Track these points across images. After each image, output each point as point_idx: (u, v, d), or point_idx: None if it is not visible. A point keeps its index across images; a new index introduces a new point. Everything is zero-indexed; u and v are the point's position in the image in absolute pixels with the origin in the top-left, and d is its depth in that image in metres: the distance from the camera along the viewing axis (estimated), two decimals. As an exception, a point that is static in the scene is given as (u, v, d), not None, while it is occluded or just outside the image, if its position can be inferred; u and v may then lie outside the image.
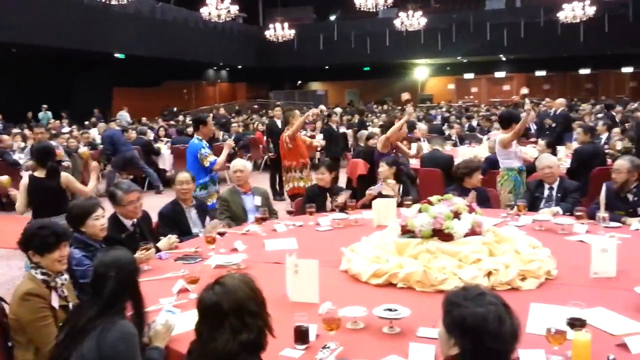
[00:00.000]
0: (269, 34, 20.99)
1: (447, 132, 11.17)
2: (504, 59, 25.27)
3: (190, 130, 12.56)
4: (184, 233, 4.11)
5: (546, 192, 4.80)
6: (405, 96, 6.50)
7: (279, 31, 20.79)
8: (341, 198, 4.73)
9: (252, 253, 3.55)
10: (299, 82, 31.04)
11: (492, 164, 6.62)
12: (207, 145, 5.47)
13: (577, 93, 26.04)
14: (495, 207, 4.84)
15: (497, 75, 27.30)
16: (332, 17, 28.45)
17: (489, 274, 2.86)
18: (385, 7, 18.58)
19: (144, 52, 19.16)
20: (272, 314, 1.99)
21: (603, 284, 2.91)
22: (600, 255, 3.00)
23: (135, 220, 3.82)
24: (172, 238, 3.73)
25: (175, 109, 21.84)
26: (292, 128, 6.36)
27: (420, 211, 3.24)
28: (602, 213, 3.93)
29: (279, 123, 9.75)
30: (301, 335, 2.23)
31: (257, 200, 4.73)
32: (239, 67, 26.74)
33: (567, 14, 18.53)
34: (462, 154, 7.89)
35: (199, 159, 5.31)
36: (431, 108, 22.55)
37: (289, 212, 4.77)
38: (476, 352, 1.61)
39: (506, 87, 27.63)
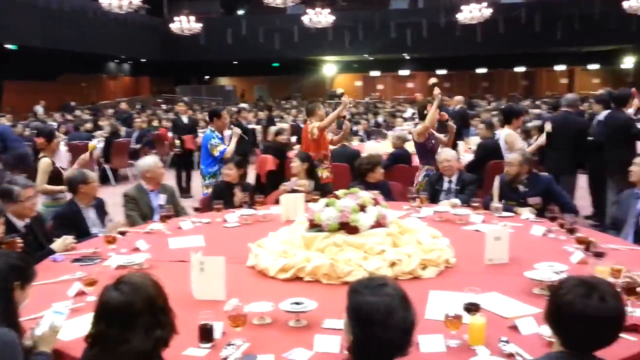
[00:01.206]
0: (174, 27, 20.40)
1: (354, 128, 11.39)
2: (407, 57, 26.18)
3: (89, 125, 11.97)
4: (82, 234, 3.90)
5: (446, 185, 5.02)
6: (433, 80, 6.57)
7: (185, 24, 20.26)
8: (237, 198, 4.72)
9: (156, 252, 3.43)
10: (207, 77, 30.44)
11: (397, 159, 6.83)
12: (219, 136, 5.89)
13: (475, 91, 27.48)
14: (399, 200, 4.99)
15: (402, 73, 28.24)
16: (240, 12, 28.13)
17: (393, 264, 2.94)
18: (293, 4, 18.65)
19: (39, 43, 17.97)
20: (177, 314, 1.93)
21: (497, 269, 3.09)
22: (494, 243, 3.18)
23: (27, 221, 3.58)
24: (68, 239, 3.53)
25: (73, 103, 20.65)
26: (327, 119, 6.16)
27: (327, 205, 3.29)
28: (496, 203, 4.18)
29: (184, 118, 9.51)
30: (206, 334, 2.18)
31: (162, 199, 4.57)
32: (143, 60, 25.78)
33: (466, 15, 19.46)
34: (369, 149, 8.09)
35: (209, 149, 5.75)
36: (340, 104, 22.93)
37: (196, 209, 4.67)
38: (365, 340, 1.62)
39: (410, 85, 28.66)
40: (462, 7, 19.55)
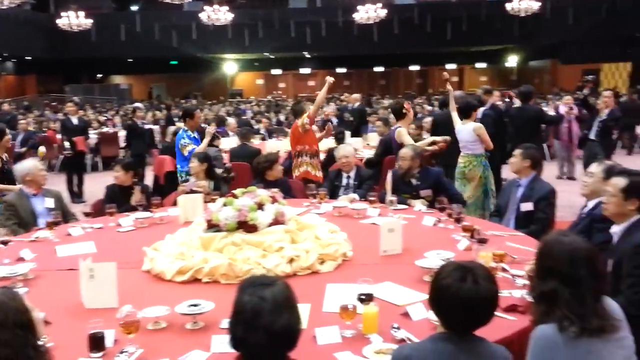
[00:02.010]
0: (61, 22, 19.24)
1: (256, 126, 11.37)
2: (308, 56, 26.47)
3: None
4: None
5: (344, 181, 5.15)
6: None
7: (74, 20, 19.17)
8: (136, 198, 4.58)
9: (42, 261, 3.24)
10: (99, 75, 28.99)
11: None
12: (192, 136, 5.93)
13: (373, 89, 28.34)
14: (299, 197, 5.05)
15: (303, 72, 28.51)
16: (134, 8, 27.04)
17: (291, 260, 2.98)
18: (190, 0, 18.25)
19: None
20: (66, 324, 1.84)
21: (391, 260, 3.22)
22: (388, 235, 3.31)
23: None
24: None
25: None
26: (315, 104, 6.27)
27: (224, 205, 3.26)
28: (390, 197, 4.34)
29: (74, 119, 9.00)
30: (96, 343, 2.09)
31: (47, 203, 4.31)
32: (28, 58, 24.08)
33: (362, 15, 19.99)
34: (270, 147, 8.11)
35: (179, 149, 5.83)
36: (241, 102, 22.77)
37: (87, 214, 4.45)
38: (235, 338, 1.63)
39: (311, 83, 28.99)
40: (359, 7, 20.06)
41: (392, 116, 7.86)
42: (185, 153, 5.76)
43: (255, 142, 8.80)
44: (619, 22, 21.08)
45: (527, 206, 4.08)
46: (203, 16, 19.98)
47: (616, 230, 2.68)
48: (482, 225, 3.77)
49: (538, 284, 1.90)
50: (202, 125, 6.70)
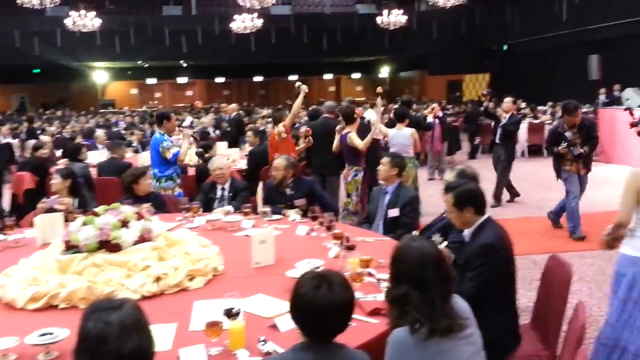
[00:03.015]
0: None
1: (128, 139, 10.87)
2: (185, 65, 25.86)
3: None
4: None
5: (219, 193, 5.07)
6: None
7: None
8: None
9: None
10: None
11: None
12: (169, 139, 5.83)
13: (253, 99, 28.37)
14: (173, 212, 4.89)
15: (180, 81, 27.79)
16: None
17: (158, 279, 2.87)
18: (53, 5, 17.09)
19: None
20: None
21: (263, 272, 3.22)
22: (260, 247, 3.30)
23: None
24: None
25: None
26: (291, 112, 6.44)
27: (84, 224, 3.07)
28: (262, 207, 4.35)
29: None
30: None
31: None
32: None
33: (239, 24, 19.95)
34: (143, 161, 7.78)
35: (160, 153, 5.66)
36: (113, 114, 21.70)
37: None
38: None
39: (189, 93, 28.39)
40: (235, 17, 20.00)
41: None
42: (169, 156, 5.66)
43: (128, 155, 8.42)
44: (477, 36, 22.96)
45: (394, 212, 4.29)
46: (68, 22, 18.84)
47: (466, 233, 2.90)
48: (353, 232, 3.89)
49: (392, 288, 1.99)
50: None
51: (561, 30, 17.63)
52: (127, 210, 3.22)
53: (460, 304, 2.07)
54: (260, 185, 4.43)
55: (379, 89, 7.40)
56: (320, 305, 1.74)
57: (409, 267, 1.96)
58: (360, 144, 5.84)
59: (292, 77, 29.18)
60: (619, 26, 15.26)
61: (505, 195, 8.26)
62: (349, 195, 6.05)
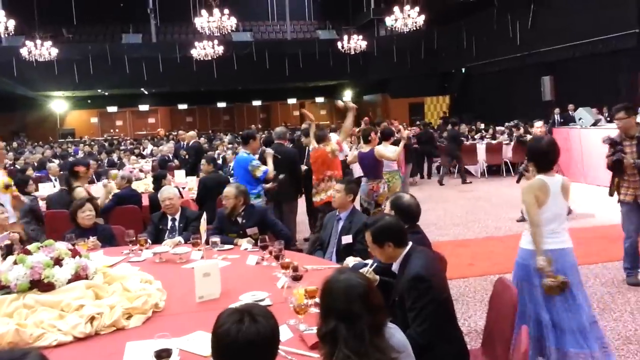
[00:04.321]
0: None
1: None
2: (146, 92, 25.60)
3: None
4: None
5: (169, 224, 4.94)
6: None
7: None
8: None
9: None
10: None
11: (121, 200, 6.49)
12: (254, 157, 6.13)
13: (217, 125, 28.23)
14: (122, 245, 4.73)
15: (142, 109, 27.46)
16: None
17: (92, 319, 2.73)
18: (9, 35, 16.76)
19: None
20: None
21: (207, 306, 3.09)
22: (204, 280, 3.18)
23: None
24: None
25: None
26: (341, 135, 7.04)
27: (15, 263, 2.92)
28: (213, 237, 4.24)
29: None
30: None
31: None
32: None
33: (200, 51, 19.90)
34: (97, 191, 7.56)
35: (250, 171, 5.94)
36: (72, 143, 21.26)
37: None
38: None
39: (151, 120, 28.06)
40: (196, 44, 19.96)
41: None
42: (259, 174, 5.94)
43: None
44: (436, 60, 23.46)
45: (348, 239, 4.22)
46: (24, 52, 18.49)
47: (394, 267, 2.86)
48: (304, 260, 3.82)
49: (322, 324, 1.91)
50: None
51: (515, 53, 18.14)
52: (60, 247, 3.08)
53: (396, 335, 2.00)
54: (204, 216, 4.30)
55: (339, 103, 7.64)
56: (247, 339, 1.65)
57: (336, 300, 1.89)
58: (391, 154, 6.58)
59: (256, 102, 29.26)
60: (570, 48, 15.79)
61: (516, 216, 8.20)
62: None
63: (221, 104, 28.60)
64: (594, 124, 10.86)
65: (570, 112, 13.97)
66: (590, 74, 15.38)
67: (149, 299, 2.99)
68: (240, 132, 7.19)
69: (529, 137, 14.11)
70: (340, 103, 7.04)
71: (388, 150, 6.71)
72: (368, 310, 1.86)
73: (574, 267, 3.46)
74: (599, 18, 14.54)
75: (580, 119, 11.20)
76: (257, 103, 29.46)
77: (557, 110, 15.13)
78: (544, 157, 3.51)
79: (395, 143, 7.29)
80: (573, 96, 14.80)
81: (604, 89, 14.71)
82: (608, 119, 11.61)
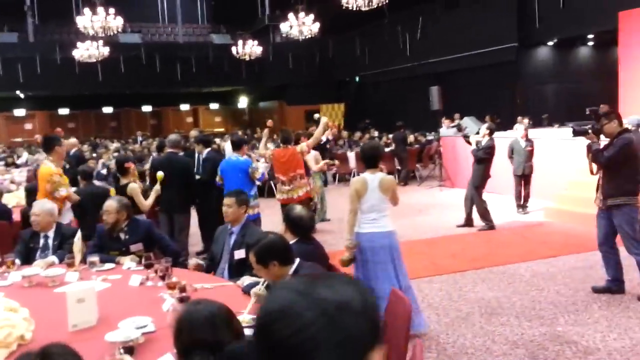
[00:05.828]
0: None
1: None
2: (22, 95, 23.64)
3: None
4: None
5: (42, 241, 4.46)
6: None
7: None
8: None
9: None
10: None
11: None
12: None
13: (103, 131, 26.68)
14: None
15: (17, 113, 25.26)
16: None
17: (-63, 361, 2.33)
18: None
19: None
20: None
21: (81, 336, 2.77)
22: (77, 306, 2.86)
23: None
24: None
25: None
26: (311, 140, 7.17)
27: None
28: (91, 257, 3.87)
29: None
30: None
31: None
32: None
33: (82, 52, 18.66)
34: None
35: (249, 174, 6.18)
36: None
37: None
38: None
39: (28, 126, 25.87)
40: (78, 44, 18.73)
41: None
42: (258, 176, 6.23)
43: None
44: (331, 68, 23.81)
45: (240, 253, 4.02)
46: None
47: None
48: (193, 278, 3.58)
49: None
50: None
51: (406, 63, 18.82)
52: None
53: None
54: (79, 234, 3.92)
55: (269, 122, 8.05)
56: None
57: (200, 332, 1.71)
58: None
59: (146, 108, 28.02)
60: (455, 60, 16.65)
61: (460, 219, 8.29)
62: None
63: (107, 109, 27.00)
64: (477, 133, 11.44)
65: (457, 121, 14.66)
66: (474, 84, 16.31)
67: (13, 331, 2.62)
68: (232, 138, 7.32)
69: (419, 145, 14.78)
70: (316, 116, 8.09)
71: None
72: (233, 336, 1.71)
73: (387, 248, 4.23)
74: (482, 32, 15.50)
75: (466, 128, 11.76)
76: (147, 109, 28.18)
77: (444, 119, 15.76)
78: (369, 158, 4.31)
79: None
80: (459, 106, 15.57)
81: (487, 99, 15.65)
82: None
